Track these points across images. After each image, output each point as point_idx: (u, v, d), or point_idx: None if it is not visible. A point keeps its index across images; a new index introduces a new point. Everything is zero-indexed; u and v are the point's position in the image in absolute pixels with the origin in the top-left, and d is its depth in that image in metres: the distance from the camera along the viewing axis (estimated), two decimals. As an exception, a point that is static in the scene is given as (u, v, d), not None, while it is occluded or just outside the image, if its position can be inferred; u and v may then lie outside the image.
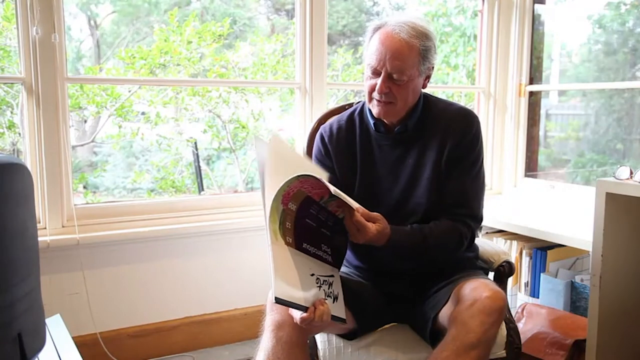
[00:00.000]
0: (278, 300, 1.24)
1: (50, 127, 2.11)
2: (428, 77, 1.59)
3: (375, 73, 1.52)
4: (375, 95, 1.53)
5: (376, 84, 1.51)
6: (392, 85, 1.51)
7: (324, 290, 1.37)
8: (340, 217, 1.43)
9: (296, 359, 1.39)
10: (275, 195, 1.29)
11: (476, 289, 1.41)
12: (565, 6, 3.09)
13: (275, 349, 1.39)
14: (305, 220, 1.36)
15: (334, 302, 1.38)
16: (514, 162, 3.11)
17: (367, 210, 1.42)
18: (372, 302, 1.59)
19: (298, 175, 1.29)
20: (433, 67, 1.58)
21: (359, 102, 1.75)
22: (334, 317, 1.36)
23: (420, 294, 1.60)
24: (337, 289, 1.42)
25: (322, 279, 1.37)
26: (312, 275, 1.35)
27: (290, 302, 1.27)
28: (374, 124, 1.62)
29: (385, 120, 1.60)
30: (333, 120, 1.73)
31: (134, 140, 3.61)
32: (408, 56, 1.48)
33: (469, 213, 1.57)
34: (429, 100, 1.65)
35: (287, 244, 1.32)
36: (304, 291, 1.31)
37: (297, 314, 1.31)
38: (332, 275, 1.41)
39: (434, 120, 1.60)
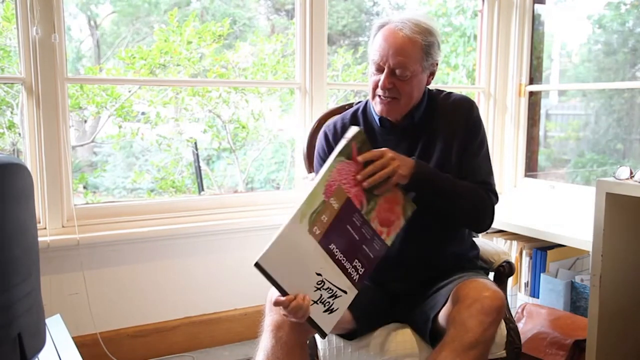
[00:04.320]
0: (257, 266, 1.22)
1: (50, 127, 2.11)
2: (432, 74, 1.60)
3: (379, 69, 1.53)
4: (379, 91, 1.54)
5: (379, 80, 1.52)
6: (396, 81, 1.51)
7: (321, 294, 1.33)
8: (389, 244, 1.41)
9: (296, 359, 1.39)
10: (319, 181, 1.29)
11: (475, 289, 1.41)
12: (565, 6, 3.09)
13: (275, 349, 1.39)
14: (346, 226, 1.34)
15: (325, 312, 1.34)
16: (514, 162, 3.11)
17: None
18: (372, 302, 1.59)
19: (335, 158, 1.30)
20: (437, 64, 1.59)
21: (360, 101, 1.76)
22: (312, 323, 1.33)
23: (420, 294, 1.60)
24: (341, 305, 1.36)
25: (328, 284, 1.33)
26: (319, 275, 1.32)
27: (269, 275, 1.25)
28: (379, 119, 1.62)
29: (389, 118, 1.61)
30: (336, 118, 1.73)
31: (134, 140, 3.61)
32: (411, 52, 1.49)
33: (487, 188, 1.60)
34: (431, 95, 1.66)
35: (311, 233, 1.29)
36: (294, 278, 1.28)
37: (275, 294, 1.30)
38: (345, 292, 1.36)
39: (438, 114, 1.62)
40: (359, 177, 1.36)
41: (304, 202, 1.29)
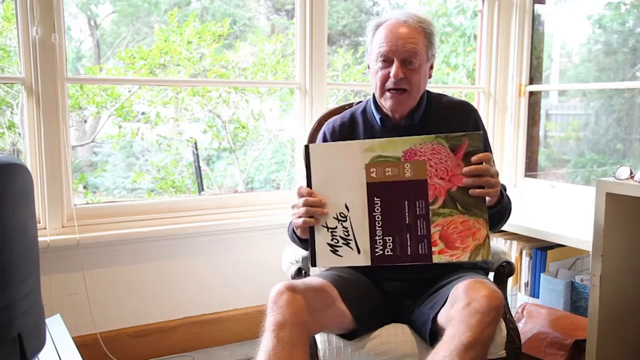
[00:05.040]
0: (306, 148, 1.28)
1: (50, 127, 2.11)
2: (432, 67, 1.64)
3: (388, 61, 1.54)
4: (390, 84, 1.55)
5: (389, 72, 1.53)
6: (406, 71, 1.54)
7: (336, 227, 1.27)
8: (433, 261, 1.34)
9: (297, 359, 1.39)
10: (403, 139, 1.28)
11: (473, 289, 1.41)
12: (565, 6, 3.09)
13: (276, 349, 1.38)
14: (403, 201, 1.27)
15: (329, 246, 1.29)
16: (514, 162, 3.11)
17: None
18: (372, 302, 1.59)
19: (437, 135, 1.28)
20: (435, 56, 1.63)
21: (360, 101, 1.76)
22: (312, 241, 1.29)
23: (420, 294, 1.60)
24: (345, 256, 1.29)
25: (348, 225, 1.28)
26: (347, 208, 1.27)
27: (309, 162, 1.28)
28: (380, 119, 1.63)
29: (395, 115, 1.62)
30: (336, 118, 1.74)
31: (134, 140, 3.61)
32: (418, 39, 1.54)
33: (505, 189, 1.65)
34: (432, 95, 1.69)
35: (367, 169, 1.26)
36: (325, 187, 1.27)
37: (302, 186, 1.36)
38: (359, 252, 1.29)
39: (438, 116, 1.63)
40: (465, 169, 1.32)
41: (379, 141, 1.26)
